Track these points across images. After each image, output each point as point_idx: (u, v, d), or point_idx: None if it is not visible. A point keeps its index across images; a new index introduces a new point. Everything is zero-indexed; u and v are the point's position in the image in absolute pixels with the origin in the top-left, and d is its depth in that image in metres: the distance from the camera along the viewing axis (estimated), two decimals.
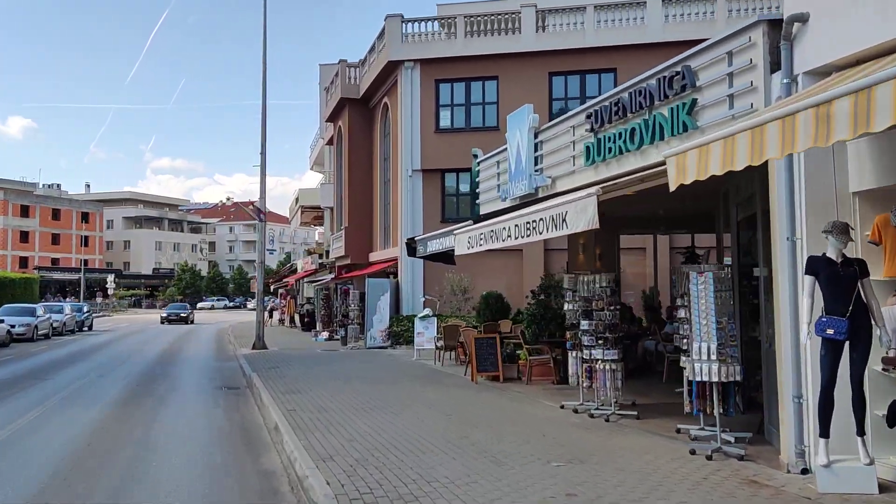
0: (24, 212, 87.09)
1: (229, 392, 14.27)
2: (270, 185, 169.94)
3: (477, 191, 14.98)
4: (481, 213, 14.49)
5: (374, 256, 28.57)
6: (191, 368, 18.95)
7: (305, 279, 37.77)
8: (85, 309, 40.76)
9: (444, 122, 24.53)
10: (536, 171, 11.67)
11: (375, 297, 23.84)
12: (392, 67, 24.98)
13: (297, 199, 44.04)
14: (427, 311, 19.44)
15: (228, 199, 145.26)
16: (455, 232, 11.57)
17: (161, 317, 49.01)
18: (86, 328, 39.74)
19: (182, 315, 48.07)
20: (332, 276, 30.58)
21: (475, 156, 15.09)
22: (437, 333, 18.38)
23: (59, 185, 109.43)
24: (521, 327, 15.36)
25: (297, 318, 38.25)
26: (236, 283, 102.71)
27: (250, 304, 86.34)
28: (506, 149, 12.97)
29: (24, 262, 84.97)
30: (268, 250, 74.50)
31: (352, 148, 29.46)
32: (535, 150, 11.75)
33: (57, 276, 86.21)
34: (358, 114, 29.49)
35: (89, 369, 18.52)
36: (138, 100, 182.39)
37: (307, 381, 14.61)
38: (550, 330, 13.60)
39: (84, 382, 15.74)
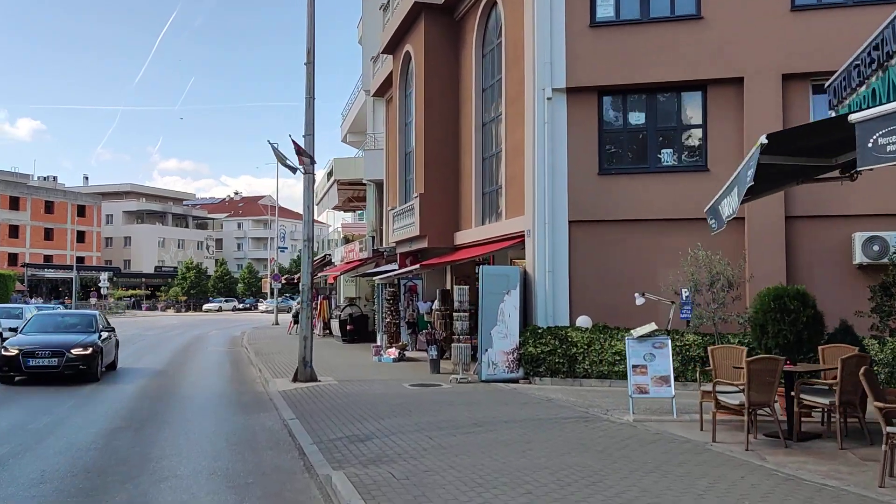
0: (14, 204, 78.44)
1: None
2: (272, 187, 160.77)
3: None
4: None
5: (464, 237, 19.23)
6: (191, 438, 9.60)
7: (346, 274, 28.45)
8: None
9: (605, 10, 15.12)
10: None
11: (495, 296, 14.47)
12: None
13: (329, 174, 34.79)
14: (649, 327, 10.03)
15: (237, 193, 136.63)
16: None
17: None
18: None
19: (74, 356, 14.87)
20: (407, 266, 21.13)
21: None
22: (708, 375, 8.98)
23: (55, 178, 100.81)
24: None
25: (334, 325, 28.96)
26: (246, 283, 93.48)
27: (262, 306, 77.26)
28: None
29: (13, 258, 76.44)
30: (280, 248, 65.31)
31: (429, 79, 20.14)
32: None
33: (49, 274, 77.82)
34: (438, 29, 20.17)
35: None
36: (146, 101, 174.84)
37: None
38: None
39: None
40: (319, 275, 32.80)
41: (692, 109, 14.93)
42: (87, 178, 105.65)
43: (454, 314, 14.65)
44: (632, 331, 10.15)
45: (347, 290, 31.11)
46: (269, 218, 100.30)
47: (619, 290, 14.67)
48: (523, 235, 15.54)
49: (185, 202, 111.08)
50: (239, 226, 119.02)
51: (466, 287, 14.86)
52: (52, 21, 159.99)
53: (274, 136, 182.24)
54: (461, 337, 14.44)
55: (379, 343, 20.39)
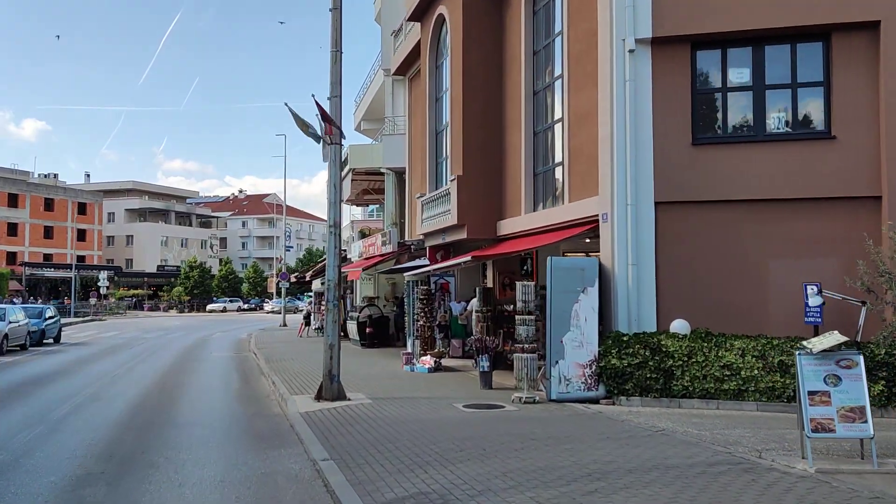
0: (13, 201, 75.78)
1: None
2: (278, 187, 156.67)
3: None
4: None
5: (511, 226, 16.41)
6: (186, 497, 6.78)
7: (365, 271, 25.64)
8: (49, 314, 28.82)
9: None
10: None
11: (567, 295, 11.65)
12: None
13: (343, 162, 31.93)
14: (832, 338, 7.17)
15: (241, 191, 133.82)
16: None
17: None
18: (49, 340, 27.94)
19: None
20: (438, 261, 18.31)
21: None
22: None
23: (55, 175, 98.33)
24: None
25: (350, 327, 26.18)
26: (251, 283, 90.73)
27: (268, 306, 74.51)
28: None
29: (11, 257, 73.87)
30: (286, 247, 62.53)
31: (468, 43, 17.33)
32: None
33: (49, 273, 75.33)
34: None
35: None
36: (151, 102, 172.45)
37: None
38: None
39: None
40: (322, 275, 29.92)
41: (811, 63, 12.06)
42: (88, 176, 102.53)
43: (516, 317, 11.81)
44: (806, 342, 7.32)
45: (365, 289, 28.35)
46: (275, 216, 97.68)
47: (720, 288, 11.86)
48: (593, 221, 12.73)
49: (188, 200, 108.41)
50: (243, 224, 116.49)
51: (532, 283, 12.01)
52: (56, 21, 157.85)
53: (278, 138, 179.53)
54: (525, 345, 11.59)
55: (410, 349, 17.57)
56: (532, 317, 11.70)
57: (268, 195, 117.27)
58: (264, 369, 17.73)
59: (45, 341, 27.49)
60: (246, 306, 79.89)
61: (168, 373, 17.56)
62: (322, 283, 35.16)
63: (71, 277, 62.51)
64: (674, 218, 12.13)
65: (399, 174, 27.70)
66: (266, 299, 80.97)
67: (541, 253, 19.00)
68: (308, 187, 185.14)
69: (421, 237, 21.00)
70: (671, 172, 12.12)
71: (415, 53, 23.37)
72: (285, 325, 39.63)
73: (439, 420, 9.92)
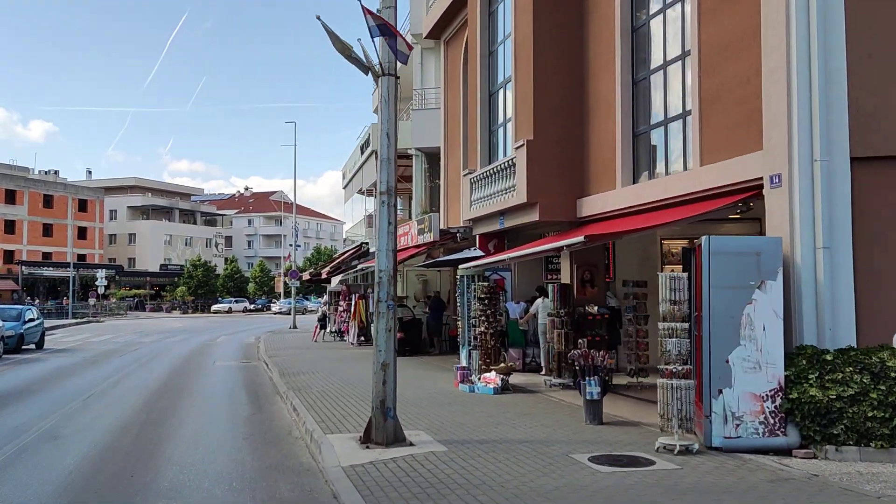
0: (11, 197, 72.38)
1: None
2: (284, 186, 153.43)
3: None
4: None
5: (599, 204, 12.62)
6: None
7: (402, 263, 21.91)
8: (30, 316, 25.13)
9: None
10: None
11: (734, 293, 7.87)
12: None
13: (364, 145, 28.33)
14: None
15: (247, 188, 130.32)
16: None
17: None
18: (30, 346, 24.34)
19: None
20: (492, 253, 14.50)
21: None
22: None
23: (56, 172, 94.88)
24: None
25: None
26: (257, 282, 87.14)
27: (275, 307, 70.92)
28: None
29: (9, 255, 70.58)
30: (293, 245, 58.93)
31: None
32: None
33: (48, 272, 72.05)
34: None
35: None
36: (157, 102, 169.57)
37: None
38: None
39: None
40: (360, 266, 26.21)
41: None
42: (90, 172, 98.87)
43: (660, 325, 8.00)
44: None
45: None
46: (282, 214, 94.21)
47: None
48: (751, 188, 8.98)
49: (192, 198, 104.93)
50: (249, 222, 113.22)
51: (685, 275, 8.20)
52: (60, 21, 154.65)
53: (283, 140, 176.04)
54: (676, 368, 7.81)
55: (465, 363, 13.80)
56: (687, 325, 7.90)
57: (274, 193, 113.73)
58: (279, 386, 14.02)
59: (24, 347, 23.91)
60: (252, 307, 76.29)
61: (158, 391, 13.83)
62: (341, 282, 31.54)
63: (70, 277, 59.06)
64: (881, 180, 8.36)
65: (430, 155, 24.08)
66: (273, 299, 77.41)
67: (618, 243, 15.33)
68: (314, 188, 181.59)
69: (468, 223, 17.28)
70: (877, 114, 8.35)
71: (453, 9, 19.72)
72: (295, 326, 36.08)
73: (574, 491, 6.16)
